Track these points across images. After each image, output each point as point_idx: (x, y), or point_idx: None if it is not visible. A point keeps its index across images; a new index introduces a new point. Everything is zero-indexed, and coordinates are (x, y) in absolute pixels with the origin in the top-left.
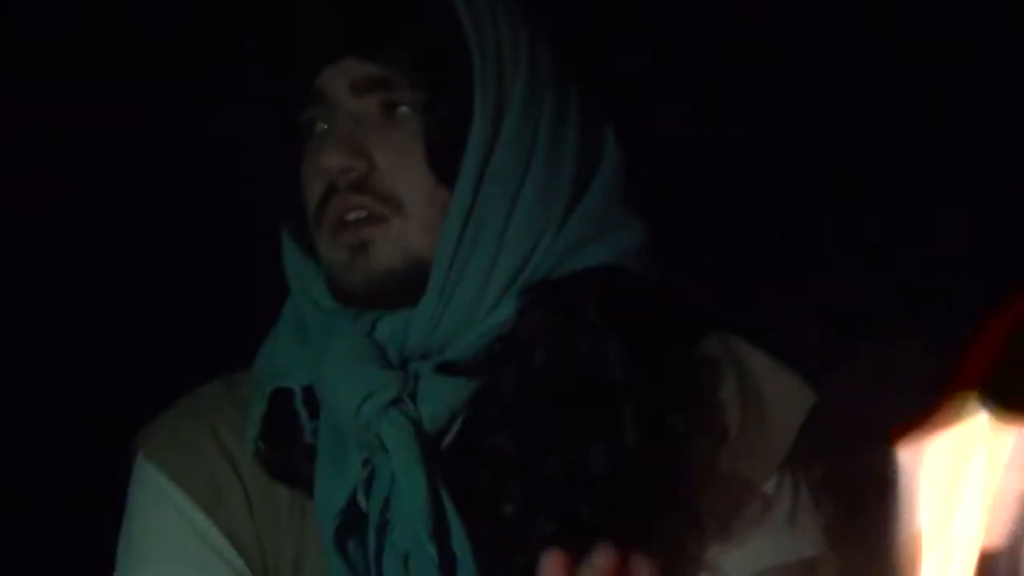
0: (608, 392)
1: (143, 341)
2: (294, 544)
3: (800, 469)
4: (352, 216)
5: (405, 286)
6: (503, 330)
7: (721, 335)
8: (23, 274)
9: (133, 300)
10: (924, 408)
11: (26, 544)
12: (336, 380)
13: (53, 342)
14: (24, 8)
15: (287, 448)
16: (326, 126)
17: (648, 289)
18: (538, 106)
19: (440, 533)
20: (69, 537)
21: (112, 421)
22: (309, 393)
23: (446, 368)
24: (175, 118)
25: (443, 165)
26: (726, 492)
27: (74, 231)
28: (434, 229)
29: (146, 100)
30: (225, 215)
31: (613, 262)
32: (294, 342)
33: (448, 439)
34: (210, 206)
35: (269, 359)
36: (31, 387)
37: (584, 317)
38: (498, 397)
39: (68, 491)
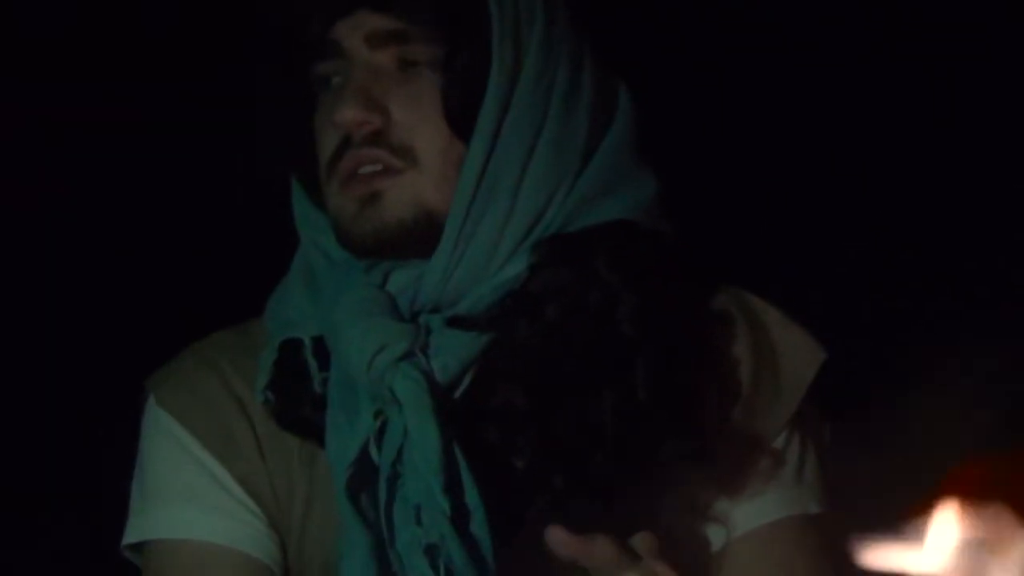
0: (620, 347)
1: (158, 289)
2: (304, 487)
3: (808, 426)
4: (367, 169)
5: (416, 237)
6: (515, 284)
7: (734, 290)
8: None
9: (149, 247)
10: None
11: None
12: (349, 331)
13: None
14: None
15: (297, 399)
16: (340, 79)
17: (660, 244)
18: (555, 60)
19: (452, 486)
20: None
21: (124, 367)
22: (319, 344)
23: (457, 321)
24: (191, 76)
25: (459, 119)
26: (738, 446)
27: (92, 180)
28: (448, 182)
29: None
30: (237, 163)
31: (626, 217)
32: (305, 293)
33: (459, 392)
34: (222, 156)
35: (279, 310)
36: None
37: (596, 272)
38: (509, 351)
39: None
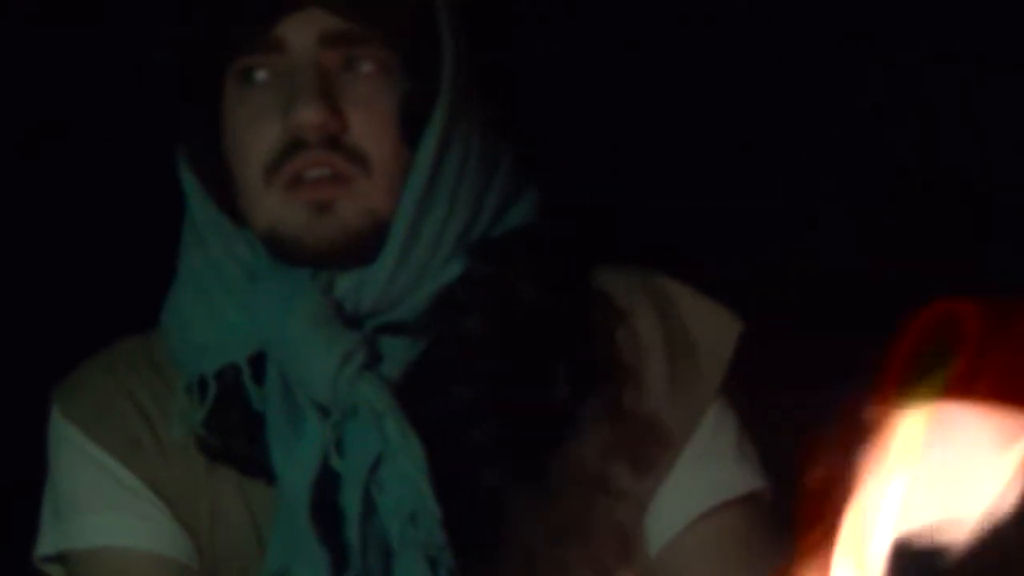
0: (542, 343)
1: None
2: (208, 503)
3: (738, 401)
4: (314, 174)
5: (365, 245)
6: (450, 288)
7: (642, 273)
8: None
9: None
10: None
11: None
12: (309, 342)
13: None
14: None
15: (233, 427)
16: (268, 75)
17: (565, 242)
18: (479, 67)
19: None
20: None
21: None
22: (255, 363)
23: (396, 327)
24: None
25: (410, 125)
26: (669, 430)
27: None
28: (395, 189)
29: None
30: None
31: (533, 220)
32: (232, 309)
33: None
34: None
35: (190, 336)
36: None
37: (520, 273)
38: (445, 356)
39: None
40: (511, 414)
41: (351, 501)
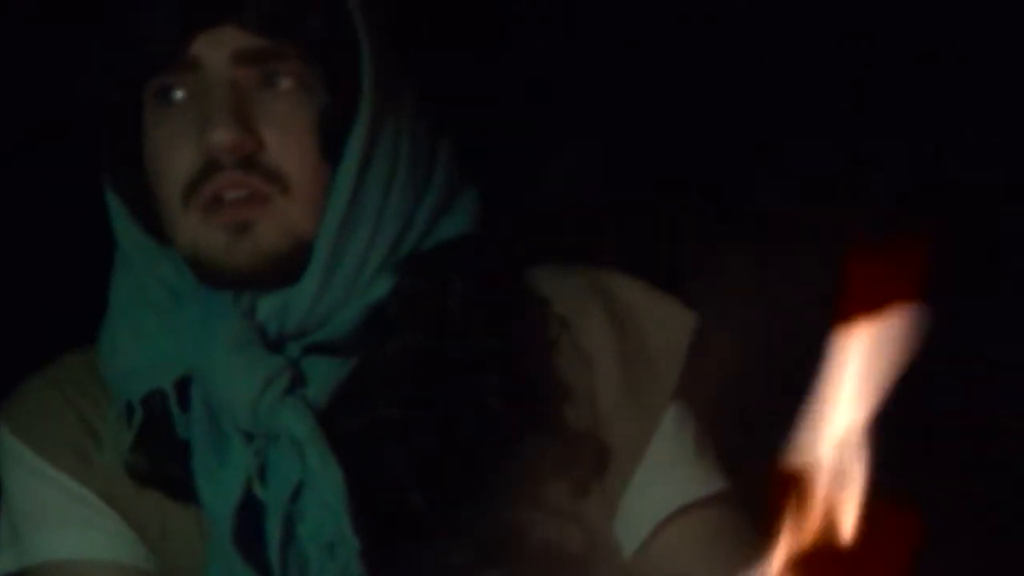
0: (475, 357)
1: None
2: (159, 518)
3: (697, 399)
4: (233, 195)
5: (289, 266)
6: (379, 305)
7: (590, 273)
8: None
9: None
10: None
11: None
12: (229, 366)
13: None
14: None
15: (161, 453)
16: (185, 94)
17: (499, 251)
18: (404, 80)
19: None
20: None
21: None
22: (181, 387)
23: (324, 347)
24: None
25: (330, 142)
26: (627, 433)
27: None
28: (317, 207)
29: None
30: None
31: (467, 231)
32: (160, 332)
33: (328, 419)
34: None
35: (119, 361)
36: None
37: (452, 286)
38: (376, 373)
39: None
40: (440, 434)
41: (272, 528)
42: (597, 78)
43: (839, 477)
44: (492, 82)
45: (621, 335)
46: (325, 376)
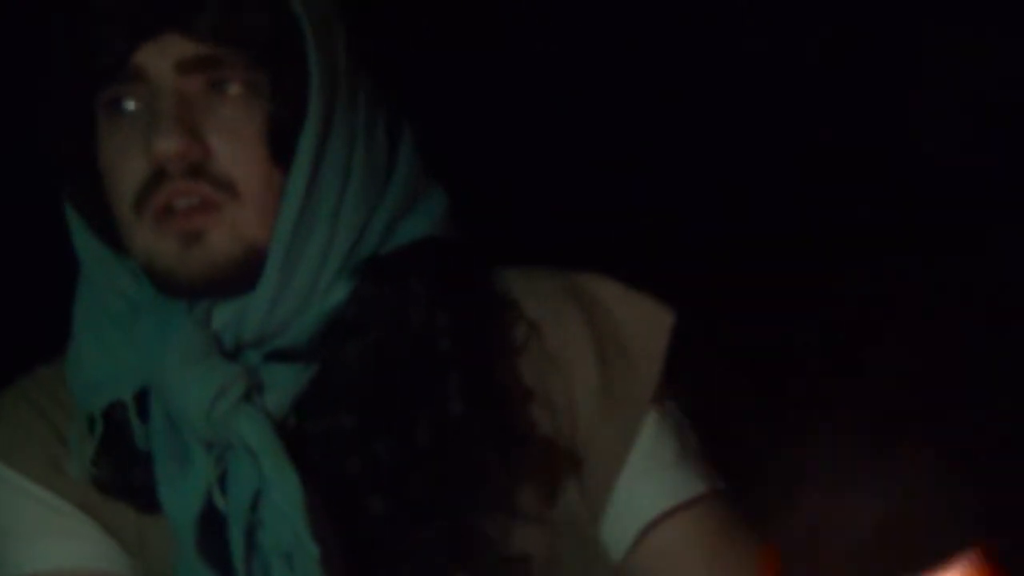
0: (436, 362)
1: None
2: (135, 529)
3: (679, 400)
4: (183, 203)
5: (243, 273)
6: (339, 310)
7: (562, 275)
8: None
9: None
10: None
11: None
12: (182, 377)
13: None
14: None
15: (123, 464)
16: (137, 104)
17: (464, 254)
18: (358, 82)
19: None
20: None
21: None
22: (140, 398)
23: (283, 354)
24: None
25: (280, 147)
26: (608, 435)
27: None
28: (269, 213)
29: None
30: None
31: (429, 233)
32: (119, 343)
33: (289, 426)
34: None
35: (82, 373)
36: None
37: (412, 290)
38: (336, 379)
39: None
40: (400, 440)
41: (235, 537)
42: (569, 76)
43: None
44: (461, 81)
45: (598, 337)
46: (285, 383)
